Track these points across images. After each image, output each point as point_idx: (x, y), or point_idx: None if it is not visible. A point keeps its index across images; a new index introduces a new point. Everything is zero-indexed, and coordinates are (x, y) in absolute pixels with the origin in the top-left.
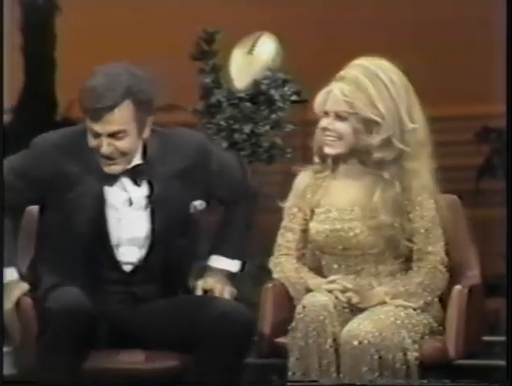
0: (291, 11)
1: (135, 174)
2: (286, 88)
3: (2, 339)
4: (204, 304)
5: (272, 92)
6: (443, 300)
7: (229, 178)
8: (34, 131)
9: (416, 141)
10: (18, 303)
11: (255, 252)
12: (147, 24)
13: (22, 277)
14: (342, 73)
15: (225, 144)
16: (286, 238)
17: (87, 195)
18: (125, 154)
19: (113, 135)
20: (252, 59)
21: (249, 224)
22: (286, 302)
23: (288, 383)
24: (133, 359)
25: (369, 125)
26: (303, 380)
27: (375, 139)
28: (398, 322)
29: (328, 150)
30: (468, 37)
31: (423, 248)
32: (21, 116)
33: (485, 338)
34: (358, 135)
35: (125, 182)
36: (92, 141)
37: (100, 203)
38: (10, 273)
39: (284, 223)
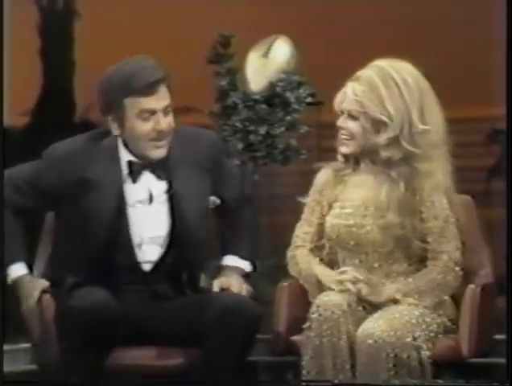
0: (307, 14)
1: (158, 168)
2: (301, 91)
3: (2, 339)
4: (210, 300)
5: (287, 94)
6: (456, 299)
7: (237, 180)
8: (52, 133)
9: (428, 143)
10: (38, 300)
11: (271, 252)
12: (165, 27)
13: (43, 275)
14: (358, 73)
15: (240, 145)
16: (303, 230)
17: (106, 197)
18: (170, 134)
19: (165, 110)
20: (267, 62)
21: (255, 226)
22: (302, 301)
23: (303, 383)
24: (147, 356)
25: (378, 124)
26: (318, 380)
27: (382, 138)
28: (413, 321)
29: (341, 149)
30: (471, 38)
31: (437, 247)
32: (39, 118)
33: (497, 336)
34: (367, 134)
35: (148, 177)
36: (142, 126)
37: (120, 204)
38: (19, 269)
39: (303, 216)
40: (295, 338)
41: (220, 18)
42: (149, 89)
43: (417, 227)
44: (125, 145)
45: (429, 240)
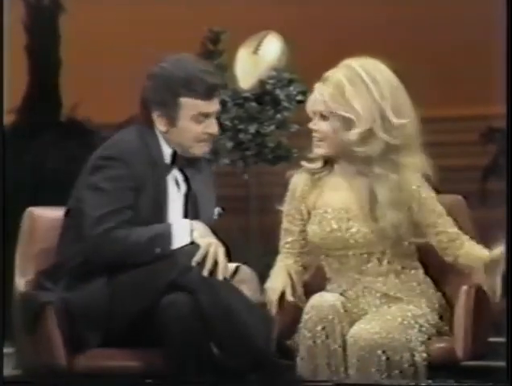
0: (297, 11)
1: (187, 167)
2: (291, 88)
3: (2, 339)
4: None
5: (277, 91)
6: (450, 300)
7: None
8: (38, 131)
9: (406, 136)
10: (42, 311)
11: (262, 252)
12: (152, 24)
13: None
14: (327, 74)
15: (230, 144)
16: (286, 240)
17: (156, 186)
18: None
19: (217, 114)
20: (257, 59)
21: None
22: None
23: (304, 384)
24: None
25: (347, 122)
26: (315, 380)
27: (353, 134)
28: (405, 322)
29: (315, 151)
30: (468, 37)
31: (450, 234)
32: (25, 116)
33: (491, 339)
34: (338, 133)
35: (176, 174)
36: (194, 128)
37: (165, 193)
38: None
39: (283, 225)
40: (287, 341)
41: (210, 14)
42: (210, 93)
43: (405, 223)
44: (163, 137)
45: (436, 230)
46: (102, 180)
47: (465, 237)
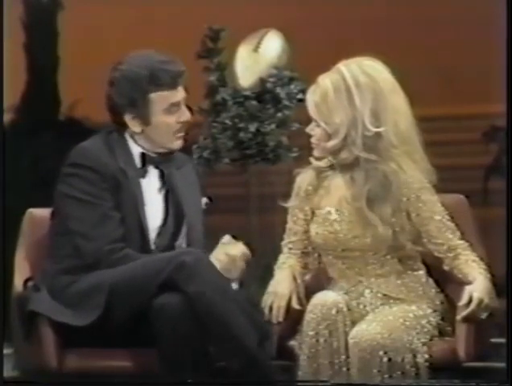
0: (297, 9)
1: (163, 164)
2: (292, 87)
3: (2, 339)
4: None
5: (278, 90)
6: (453, 301)
7: None
8: (36, 130)
9: (387, 143)
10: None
11: (262, 252)
12: (152, 22)
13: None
14: (319, 78)
15: (230, 143)
16: (290, 239)
17: (129, 190)
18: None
19: (184, 101)
20: (258, 57)
21: None
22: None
23: (298, 384)
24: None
25: (327, 133)
26: (314, 380)
27: (329, 145)
28: (407, 323)
29: (314, 152)
30: (469, 37)
31: (452, 243)
32: (24, 114)
33: (493, 340)
34: (321, 142)
35: (152, 172)
36: (168, 120)
37: (140, 196)
38: None
39: (288, 224)
40: (289, 341)
41: (209, 12)
42: (175, 81)
43: (405, 228)
44: (133, 139)
45: (438, 240)
46: (75, 189)
47: (463, 247)
